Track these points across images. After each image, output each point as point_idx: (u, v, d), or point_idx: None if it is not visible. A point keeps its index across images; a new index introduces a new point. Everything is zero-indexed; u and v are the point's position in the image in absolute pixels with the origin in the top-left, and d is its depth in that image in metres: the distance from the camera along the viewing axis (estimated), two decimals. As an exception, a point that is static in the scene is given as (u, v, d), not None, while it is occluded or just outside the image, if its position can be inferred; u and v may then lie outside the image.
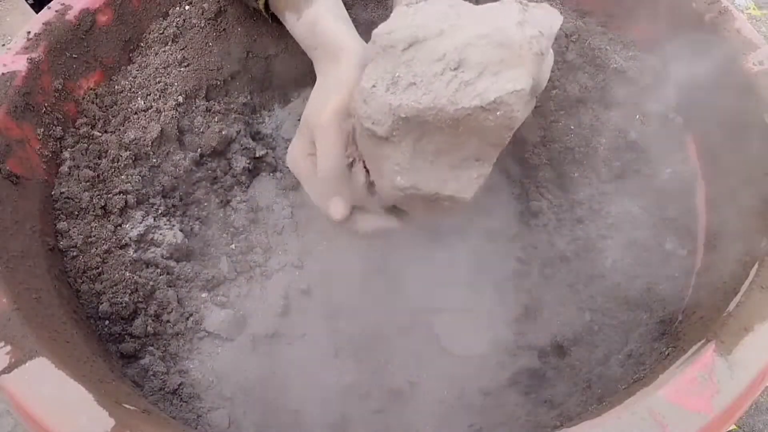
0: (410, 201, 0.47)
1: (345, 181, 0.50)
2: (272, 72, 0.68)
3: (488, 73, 0.39)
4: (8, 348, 0.39)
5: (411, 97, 0.40)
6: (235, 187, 0.65)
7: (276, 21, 0.60)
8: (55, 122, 0.56)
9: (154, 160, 0.59)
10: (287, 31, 0.60)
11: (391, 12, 0.68)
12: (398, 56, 0.41)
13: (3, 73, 0.53)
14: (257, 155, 0.65)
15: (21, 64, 0.54)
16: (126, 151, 0.57)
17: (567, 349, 0.56)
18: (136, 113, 0.59)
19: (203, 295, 0.58)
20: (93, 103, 0.59)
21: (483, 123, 0.40)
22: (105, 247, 0.53)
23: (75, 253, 0.52)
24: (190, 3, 0.64)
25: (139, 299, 0.53)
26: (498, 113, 0.39)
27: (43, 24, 0.57)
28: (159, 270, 0.55)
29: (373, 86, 0.41)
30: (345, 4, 0.68)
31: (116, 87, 0.60)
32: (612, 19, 0.65)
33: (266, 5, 0.58)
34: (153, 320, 0.53)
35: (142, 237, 0.55)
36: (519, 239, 0.63)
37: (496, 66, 0.39)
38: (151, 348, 0.52)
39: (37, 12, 0.83)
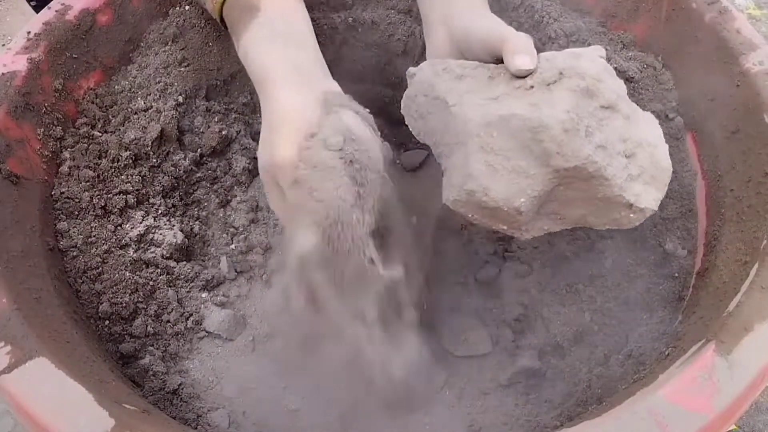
0: (475, 209, 0.46)
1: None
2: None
3: (643, 180, 0.44)
4: (8, 348, 0.39)
5: (601, 160, 0.42)
6: (235, 187, 0.65)
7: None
8: (55, 122, 0.56)
9: (154, 160, 0.59)
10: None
11: (391, 13, 0.68)
12: (595, 108, 0.43)
13: (3, 73, 0.53)
14: (257, 155, 0.65)
15: (21, 64, 0.54)
16: (126, 151, 0.57)
17: (567, 349, 0.56)
18: (136, 113, 0.59)
19: (203, 295, 0.58)
20: (93, 103, 0.59)
21: (613, 211, 0.44)
22: (105, 247, 0.53)
23: (75, 253, 0.52)
24: (190, 3, 0.64)
25: (139, 299, 0.53)
26: (632, 215, 0.44)
27: (43, 24, 0.57)
28: (159, 270, 0.55)
29: (578, 124, 0.42)
30: (345, 4, 0.69)
31: (116, 87, 0.60)
32: (612, 19, 0.65)
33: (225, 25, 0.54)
34: (153, 320, 0.53)
35: (142, 237, 0.55)
36: (519, 239, 0.63)
37: (649, 178, 0.44)
38: (151, 348, 0.52)
39: (38, 12, 0.83)
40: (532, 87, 0.44)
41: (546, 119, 0.42)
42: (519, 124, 0.43)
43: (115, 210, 0.55)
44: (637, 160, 0.44)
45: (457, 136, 0.46)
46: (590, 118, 0.43)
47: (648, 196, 0.44)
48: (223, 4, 0.53)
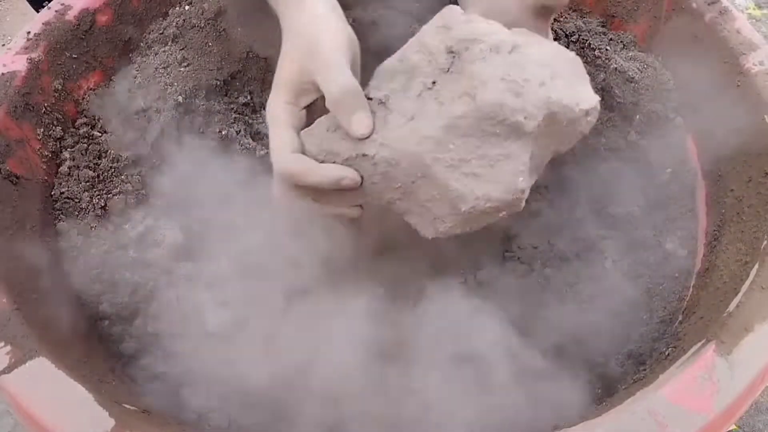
0: (476, 220, 0.45)
1: (363, 98, 0.45)
2: (272, 72, 0.67)
3: (575, 85, 0.44)
4: (8, 348, 0.39)
5: (552, 94, 0.42)
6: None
7: None
8: (55, 122, 0.56)
9: (154, 160, 0.59)
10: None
11: (391, 13, 0.68)
12: (506, 57, 0.42)
13: (3, 73, 0.53)
14: (257, 155, 0.65)
15: (21, 64, 0.54)
16: (126, 151, 0.57)
17: (567, 349, 0.56)
18: (136, 113, 0.59)
19: (203, 295, 0.58)
20: (93, 103, 0.59)
21: (576, 126, 0.45)
22: (105, 247, 0.53)
23: (75, 253, 0.52)
24: (190, 3, 0.64)
25: (139, 299, 0.53)
26: (588, 118, 0.45)
27: (43, 24, 0.57)
28: (159, 270, 0.55)
29: (518, 82, 0.41)
30: (345, 5, 0.68)
31: (116, 87, 0.60)
32: (612, 19, 0.65)
33: None
34: (153, 320, 0.53)
35: (142, 237, 0.55)
36: (519, 239, 0.63)
37: (575, 79, 0.44)
38: (151, 348, 0.52)
39: (37, 11, 0.83)
40: (434, 83, 0.43)
41: (494, 98, 0.40)
42: (470, 122, 0.41)
43: (115, 210, 0.55)
44: (559, 73, 0.43)
45: (411, 176, 0.43)
46: (512, 68, 0.41)
47: (588, 95, 0.45)
48: None
